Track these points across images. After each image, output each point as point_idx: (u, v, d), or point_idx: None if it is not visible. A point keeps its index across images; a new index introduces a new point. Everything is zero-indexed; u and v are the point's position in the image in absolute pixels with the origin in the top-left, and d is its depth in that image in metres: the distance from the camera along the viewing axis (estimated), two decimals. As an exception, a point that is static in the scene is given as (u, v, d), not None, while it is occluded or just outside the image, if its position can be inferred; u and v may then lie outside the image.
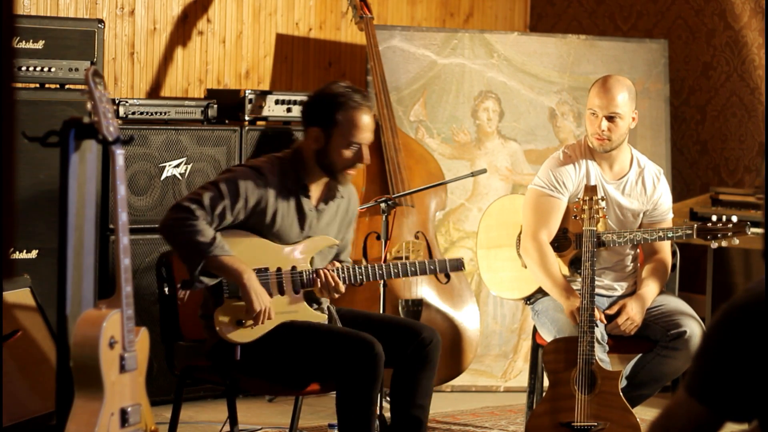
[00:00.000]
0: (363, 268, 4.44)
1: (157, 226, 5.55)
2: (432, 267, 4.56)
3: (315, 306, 4.44)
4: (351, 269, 4.42)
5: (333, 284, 4.35)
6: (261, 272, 4.30)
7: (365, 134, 4.37)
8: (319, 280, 4.35)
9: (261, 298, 4.25)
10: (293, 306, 4.38)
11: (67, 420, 3.37)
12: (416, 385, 4.39)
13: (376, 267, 4.46)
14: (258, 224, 4.34)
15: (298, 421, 4.84)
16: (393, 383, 4.44)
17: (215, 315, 4.26)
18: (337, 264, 4.48)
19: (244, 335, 4.28)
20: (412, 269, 4.52)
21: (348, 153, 4.35)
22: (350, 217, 4.59)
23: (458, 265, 4.58)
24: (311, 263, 4.41)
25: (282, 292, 4.35)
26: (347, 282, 4.40)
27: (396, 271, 4.49)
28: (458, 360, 5.81)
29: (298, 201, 4.40)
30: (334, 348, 4.26)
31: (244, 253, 4.27)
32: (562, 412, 4.70)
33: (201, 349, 4.68)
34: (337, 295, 4.40)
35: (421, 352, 4.38)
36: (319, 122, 4.37)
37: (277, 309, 4.32)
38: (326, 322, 4.44)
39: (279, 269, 4.36)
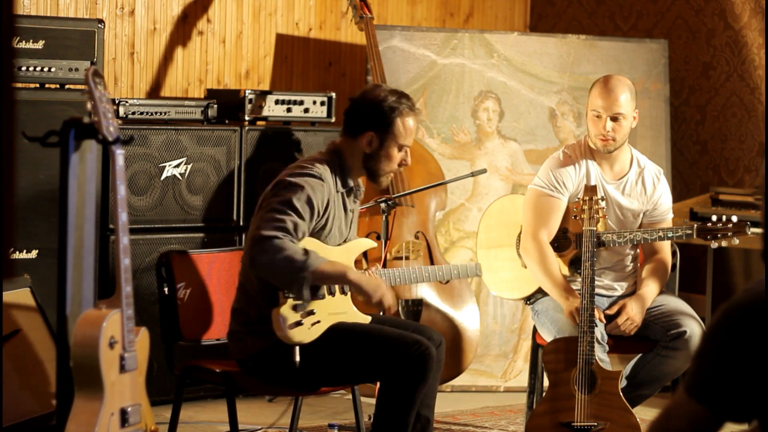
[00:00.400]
0: (400, 271, 4.51)
1: (157, 226, 5.61)
2: (456, 272, 4.68)
3: None
4: (390, 273, 4.48)
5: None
6: None
7: (412, 138, 4.52)
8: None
9: (373, 285, 4.28)
10: (343, 307, 4.41)
11: (67, 420, 3.37)
12: None
13: (412, 270, 4.54)
14: (316, 227, 4.37)
15: (298, 421, 4.84)
16: None
17: (274, 316, 4.23)
18: (379, 267, 4.53)
19: (304, 335, 4.27)
20: (439, 273, 4.65)
21: (398, 156, 4.47)
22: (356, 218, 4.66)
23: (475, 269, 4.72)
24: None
25: (332, 293, 4.37)
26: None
27: (427, 275, 4.62)
28: (458, 360, 5.81)
29: (344, 202, 4.47)
30: (388, 347, 4.27)
31: None
32: (562, 412, 4.71)
33: (202, 349, 4.68)
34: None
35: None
36: (375, 126, 4.44)
37: (329, 310, 4.35)
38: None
39: None
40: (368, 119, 4.45)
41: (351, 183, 4.48)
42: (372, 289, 4.28)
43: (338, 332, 4.33)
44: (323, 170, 4.38)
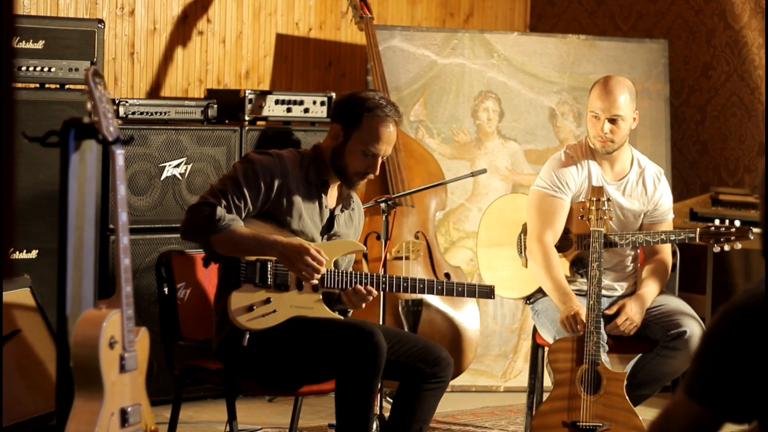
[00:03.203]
0: (389, 278, 4.39)
1: (157, 226, 5.61)
2: (460, 289, 4.50)
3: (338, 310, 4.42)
4: (376, 277, 4.35)
5: (365, 292, 4.30)
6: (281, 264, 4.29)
7: (383, 146, 4.35)
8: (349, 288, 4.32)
9: (292, 252, 4.20)
10: (309, 303, 4.34)
11: (67, 420, 3.37)
12: (423, 401, 4.37)
13: (401, 279, 4.41)
14: (280, 213, 4.31)
15: (298, 421, 4.83)
16: (399, 394, 4.40)
17: (229, 300, 4.22)
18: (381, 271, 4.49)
19: (254, 322, 4.25)
20: (439, 288, 4.47)
21: (361, 159, 4.35)
22: (357, 230, 4.59)
23: (489, 292, 4.56)
24: (335, 265, 4.39)
25: (300, 288, 4.32)
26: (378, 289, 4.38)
27: (422, 286, 4.43)
28: (458, 360, 5.80)
29: (319, 197, 4.40)
30: (335, 339, 4.21)
31: None
32: (568, 412, 4.70)
33: (201, 349, 4.68)
34: (363, 305, 4.36)
35: (439, 373, 4.36)
36: (343, 120, 4.37)
37: (292, 303, 4.30)
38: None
39: None
40: (340, 113, 4.40)
41: (326, 178, 4.40)
42: (293, 256, 4.20)
43: (289, 325, 4.28)
44: (289, 155, 4.36)
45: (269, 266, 4.27)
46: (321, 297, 4.34)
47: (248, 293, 4.25)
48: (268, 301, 4.27)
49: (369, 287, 4.32)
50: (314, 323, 4.30)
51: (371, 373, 4.17)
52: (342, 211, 4.48)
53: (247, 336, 4.23)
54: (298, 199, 4.33)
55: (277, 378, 4.33)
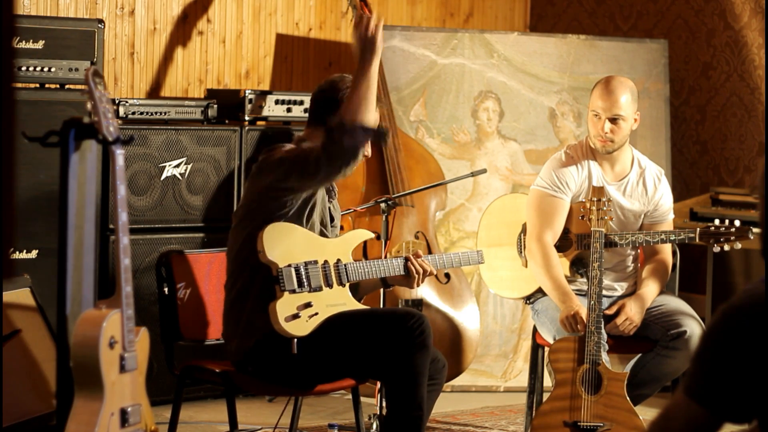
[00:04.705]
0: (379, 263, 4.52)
1: (157, 226, 5.60)
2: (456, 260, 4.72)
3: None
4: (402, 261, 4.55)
5: (428, 270, 4.50)
6: (311, 264, 4.32)
7: None
8: (413, 267, 4.50)
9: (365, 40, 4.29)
10: (341, 299, 4.38)
11: (67, 420, 3.37)
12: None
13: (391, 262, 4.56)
14: (303, 212, 4.35)
15: (298, 421, 4.83)
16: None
17: (272, 309, 4.22)
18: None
19: (301, 328, 4.26)
20: (439, 262, 4.68)
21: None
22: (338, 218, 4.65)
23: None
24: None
25: (330, 285, 4.36)
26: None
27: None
28: (458, 360, 5.81)
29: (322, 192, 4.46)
30: (384, 323, 4.28)
31: (293, 245, 4.28)
32: (568, 412, 4.71)
33: (201, 349, 4.68)
34: (421, 283, 4.54)
35: (434, 376, 4.38)
36: (330, 114, 4.40)
37: (327, 302, 4.33)
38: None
39: (326, 262, 4.38)
40: (328, 108, 4.42)
41: None
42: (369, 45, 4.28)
43: (333, 321, 4.32)
44: None
45: (302, 270, 4.30)
46: (348, 290, 4.41)
47: (290, 301, 4.25)
48: (309, 305, 4.29)
49: (425, 263, 4.52)
50: (354, 315, 4.36)
51: (420, 348, 4.21)
52: (330, 201, 4.53)
53: (296, 343, 4.24)
54: (318, 195, 4.39)
55: (323, 375, 4.36)
